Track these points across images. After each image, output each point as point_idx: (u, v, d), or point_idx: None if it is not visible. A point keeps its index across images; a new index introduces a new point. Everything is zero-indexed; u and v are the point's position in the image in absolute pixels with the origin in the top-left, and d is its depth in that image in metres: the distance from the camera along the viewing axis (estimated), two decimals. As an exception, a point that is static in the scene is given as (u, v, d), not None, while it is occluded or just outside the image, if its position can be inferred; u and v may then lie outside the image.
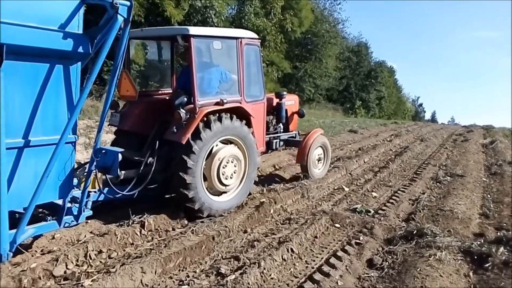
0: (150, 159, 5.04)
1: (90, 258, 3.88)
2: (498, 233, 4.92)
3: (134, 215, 4.87)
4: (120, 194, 4.68)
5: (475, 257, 4.16)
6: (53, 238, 4.13)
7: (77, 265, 3.75)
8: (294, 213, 5.70)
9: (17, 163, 3.33)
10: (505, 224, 5.51)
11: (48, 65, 3.40)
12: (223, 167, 5.34)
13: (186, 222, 5.10)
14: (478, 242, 4.46)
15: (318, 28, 30.62)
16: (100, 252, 4.02)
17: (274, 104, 7.26)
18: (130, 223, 4.67)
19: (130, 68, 6.02)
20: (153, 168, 4.95)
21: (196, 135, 4.91)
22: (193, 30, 5.03)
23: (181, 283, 3.60)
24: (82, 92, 3.57)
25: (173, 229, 4.89)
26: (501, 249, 4.19)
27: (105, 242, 4.12)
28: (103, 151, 4.10)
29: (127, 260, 3.84)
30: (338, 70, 36.32)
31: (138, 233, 4.54)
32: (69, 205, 3.97)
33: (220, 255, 4.25)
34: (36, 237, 4.11)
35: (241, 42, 5.63)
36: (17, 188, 3.32)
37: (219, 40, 5.50)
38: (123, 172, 4.70)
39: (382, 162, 10.21)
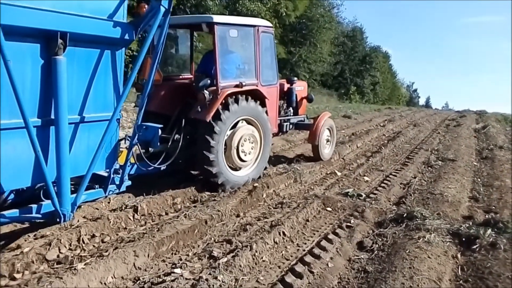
0: (177, 136, 5.50)
1: (83, 242, 3.90)
2: (487, 216, 5.01)
3: (127, 200, 4.90)
4: (151, 167, 5.05)
5: (463, 239, 4.22)
6: (45, 222, 4.14)
7: (70, 249, 3.77)
8: (286, 197, 5.74)
9: (74, 136, 3.76)
10: (494, 207, 5.60)
11: (99, 50, 3.80)
12: (242, 144, 5.83)
13: (179, 207, 5.13)
14: (467, 225, 4.54)
15: (312, 12, 30.37)
16: (93, 236, 4.04)
17: (285, 89, 7.63)
18: (123, 208, 4.70)
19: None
20: (180, 144, 5.35)
21: (219, 114, 5.40)
22: (217, 18, 5.49)
23: (173, 266, 3.64)
24: (131, 73, 4.00)
25: (166, 214, 4.92)
26: (489, 231, 4.26)
27: (98, 226, 4.14)
28: (144, 126, 4.64)
29: (120, 244, 3.86)
30: (332, 55, 36.18)
31: (131, 218, 4.56)
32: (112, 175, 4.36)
33: (212, 238, 4.29)
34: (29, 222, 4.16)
35: (258, 30, 6.07)
36: (74, 158, 3.71)
37: (239, 28, 5.90)
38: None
39: (375, 147, 10.29)
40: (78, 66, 3.64)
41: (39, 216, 3.68)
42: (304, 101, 8.17)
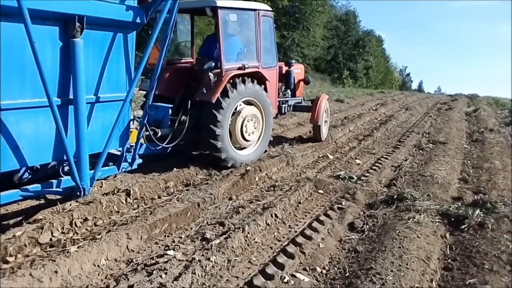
0: (183, 117, 5.67)
1: (76, 226, 3.90)
2: (476, 197, 5.09)
3: (119, 184, 4.90)
4: (160, 147, 5.24)
5: (452, 219, 4.30)
6: (38, 205, 4.15)
7: (62, 232, 3.76)
8: (278, 181, 5.77)
9: (90, 116, 3.92)
10: (482, 188, 5.68)
11: (112, 33, 3.95)
12: (245, 124, 6.05)
13: (171, 190, 5.15)
14: (456, 205, 4.61)
15: (305, -5, 30.03)
16: (86, 220, 4.04)
17: (284, 71, 7.81)
18: (116, 192, 4.69)
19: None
20: (186, 125, 5.54)
21: (224, 95, 5.61)
22: (220, 2, 5.64)
23: (166, 248, 3.66)
24: (142, 56, 4.16)
25: (159, 197, 4.93)
26: (477, 211, 4.33)
27: (90, 210, 4.13)
28: (155, 107, 4.85)
29: (113, 227, 3.88)
30: (325, 39, 35.98)
31: (124, 201, 4.55)
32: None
33: (205, 221, 4.31)
34: (21, 205, 4.15)
35: (258, 13, 6.29)
36: (90, 136, 3.88)
37: (241, 12, 6.11)
38: (159, 129, 5.35)
39: (367, 130, 10.33)
40: (94, 48, 3.80)
41: (60, 190, 3.93)
42: (301, 83, 8.36)
